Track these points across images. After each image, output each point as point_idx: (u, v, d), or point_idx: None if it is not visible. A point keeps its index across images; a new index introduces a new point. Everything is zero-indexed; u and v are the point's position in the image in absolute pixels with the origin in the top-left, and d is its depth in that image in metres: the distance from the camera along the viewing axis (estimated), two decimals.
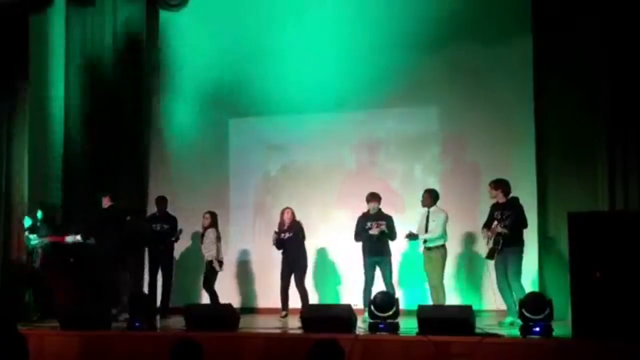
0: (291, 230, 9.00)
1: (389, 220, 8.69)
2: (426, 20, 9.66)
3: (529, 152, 9.13)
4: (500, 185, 8.05)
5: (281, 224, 9.09)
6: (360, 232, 8.70)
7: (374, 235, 8.53)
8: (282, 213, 9.11)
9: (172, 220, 9.39)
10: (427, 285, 8.47)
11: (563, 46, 8.80)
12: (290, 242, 8.98)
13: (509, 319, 7.77)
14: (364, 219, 8.73)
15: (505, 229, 7.74)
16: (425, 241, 8.38)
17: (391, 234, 8.63)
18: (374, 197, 8.73)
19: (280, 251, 9.09)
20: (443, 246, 8.37)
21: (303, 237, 9.03)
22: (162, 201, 9.48)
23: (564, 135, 8.83)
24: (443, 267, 8.36)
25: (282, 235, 9.00)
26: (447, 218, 8.40)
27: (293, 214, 9.07)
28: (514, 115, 9.32)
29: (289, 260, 9.01)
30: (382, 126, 9.89)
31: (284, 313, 8.89)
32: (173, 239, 9.41)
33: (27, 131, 9.64)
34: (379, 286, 8.42)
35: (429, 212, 8.45)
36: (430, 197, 8.50)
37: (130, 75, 10.51)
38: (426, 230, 8.38)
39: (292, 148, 10.24)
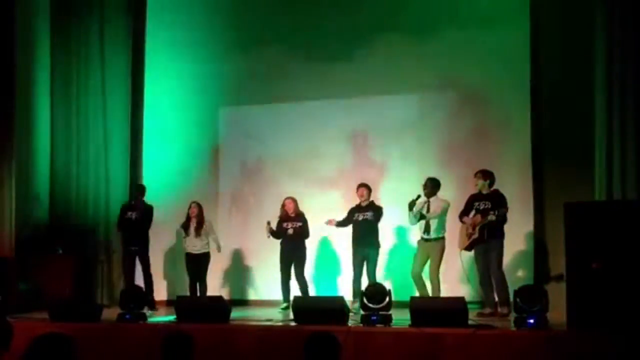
0: (294, 220, 8.88)
1: (378, 211, 8.59)
2: (417, 4, 9.63)
3: (524, 142, 9.05)
4: (489, 176, 7.94)
5: (283, 214, 8.95)
6: (346, 221, 8.67)
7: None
8: (284, 203, 8.97)
9: (148, 209, 9.20)
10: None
11: (561, 33, 8.76)
12: (293, 232, 8.85)
13: (487, 310, 7.77)
14: (353, 211, 8.66)
15: (493, 218, 7.61)
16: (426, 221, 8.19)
17: (376, 221, 8.54)
18: (362, 187, 8.65)
19: (277, 241, 8.97)
20: (443, 238, 8.18)
21: (305, 228, 8.88)
22: (138, 189, 9.32)
23: (560, 125, 8.76)
24: (441, 260, 8.16)
25: (285, 224, 8.87)
26: (448, 208, 8.19)
27: (295, 204, 8.94)
28: (510, 105, 9.23)
29: (288, 251, 8.88)
30: (377, 114, 9.78)
31: (284, 305, 8.75)
32: None
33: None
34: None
35: (429, 202, 8.24)
36: (433, 186, 8.27)
37: (118, 65, 10.48)
38: (426, 222, 8.16)
39: (284, 139, 10.13)
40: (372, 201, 8.67)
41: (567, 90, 8.71)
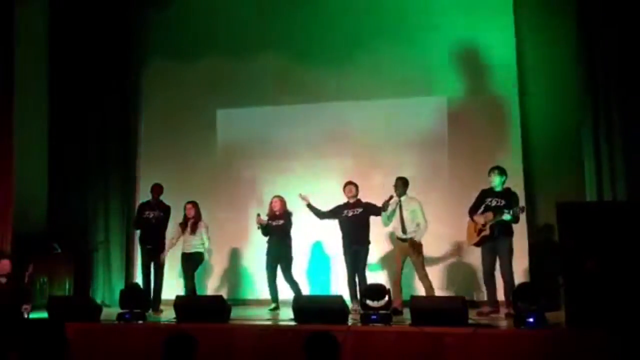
0: (279, 218, 8.86)
1: (367, 206, 8.51)
2: (410, 10, 9.75)
3: (515, 143, 9.16)
4: (506, 173, 7.91)
5: (270, 212, 8.95)
6: (330, 214, 8.67)
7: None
8: (271, 201, 8.97)
9: (166, 209, 9.23)
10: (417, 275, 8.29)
11: (548, 33, 8.87)
12: (276, 230, 8.83)
13: (487, 309, 7.78)
14: (341, 208, 8.62)
15: (512, 217, 7.58)
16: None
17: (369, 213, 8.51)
18: (350, 185, 8.63)
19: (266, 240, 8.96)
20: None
21: (289, 227, 8.85)
22: (156, 189, 9.27)
23: (550, 126, 8.89)
24: (423, 257, 8.21)
25: (270, 222, 8.85)
26: (422, 206, 8.27)
27: (282, 202, 8.93)
28: (500, 105, 9.31)
29: (274, 250, 8.83)
30: (371, 116, 9.87)
31: (273, 305, 8.70)
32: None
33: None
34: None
35: (401, 201, 8.28)
36: (403, 185, 8.34)
37: (117, 67, 10.52)
38: (402, 220, 8.21)
39: (279, 138, 10.20)
40: (359, 198, 8.62)
41: (554, 93, 8.87)
